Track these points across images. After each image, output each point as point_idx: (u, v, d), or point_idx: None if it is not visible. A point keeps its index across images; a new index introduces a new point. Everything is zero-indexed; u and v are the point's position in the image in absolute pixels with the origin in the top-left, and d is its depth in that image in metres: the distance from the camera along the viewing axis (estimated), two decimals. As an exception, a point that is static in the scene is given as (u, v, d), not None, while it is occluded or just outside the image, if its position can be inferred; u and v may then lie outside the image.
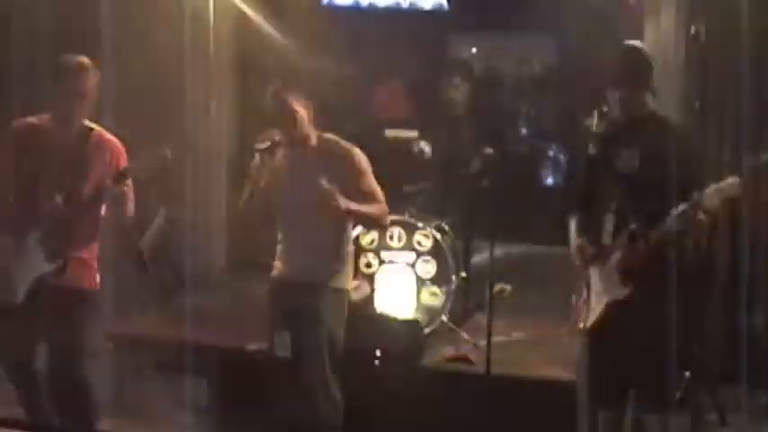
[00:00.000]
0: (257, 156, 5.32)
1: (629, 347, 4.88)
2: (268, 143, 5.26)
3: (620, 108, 5.07)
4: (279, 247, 5.55)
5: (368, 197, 5.34)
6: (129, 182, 5.27)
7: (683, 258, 4.98)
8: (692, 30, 7.80)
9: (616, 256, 4.93)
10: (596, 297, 5.04)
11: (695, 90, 7.61)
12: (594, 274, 5.07)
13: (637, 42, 5.36)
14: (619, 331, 4.90)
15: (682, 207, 4.60)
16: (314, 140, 5.40)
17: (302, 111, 5.30)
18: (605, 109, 5.38)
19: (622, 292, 4.90)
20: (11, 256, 5.24)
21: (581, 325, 5.13)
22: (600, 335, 5.02)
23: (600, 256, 5.04)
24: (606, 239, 5.02)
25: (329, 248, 5.41)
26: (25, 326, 5.24)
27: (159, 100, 8.50)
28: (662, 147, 4.83)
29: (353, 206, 5.21)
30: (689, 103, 7.49)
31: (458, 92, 8.82)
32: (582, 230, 5.19)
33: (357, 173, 5.34)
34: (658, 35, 8.21)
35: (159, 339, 7.27)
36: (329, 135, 5.47)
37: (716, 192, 4.58)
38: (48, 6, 7.82)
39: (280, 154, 5.41)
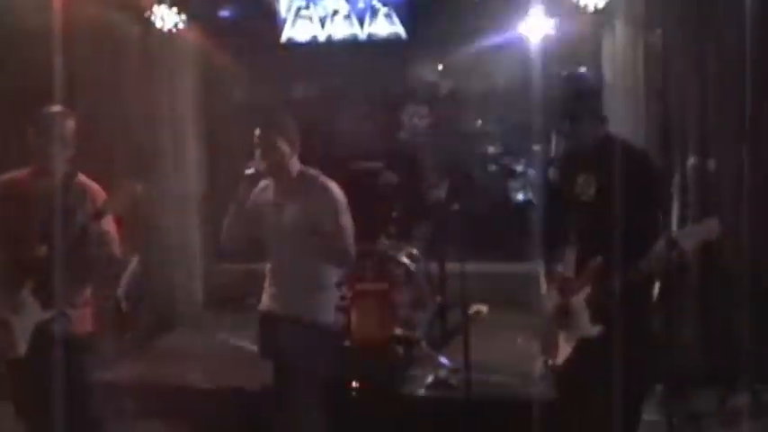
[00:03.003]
0: (243, 181, 5.43)
1: (598, 389, 4.68)
2: (253, 170, 5.37)
3: (573, 135, 4.93)
4: (266, 281, 5.63)
5: (337, 235, 5.40)
6: (113, 223, 5.34)
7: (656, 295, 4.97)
8: (650, 38, 7.93)
9: (585, 291, 4.74)
10: (565, 333, 4.86)
11: (654, 104, 7.71)
12: (562, 308, 4.87)
13: (580, 69, 5.23)
14: (588, 375, 4.73)
15: (657, 247, 4.44)
16: (294, 174, 5.49)
17: (285, 146, 5.40)
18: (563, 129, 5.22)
19: (593, 330, 4.71)
20: (7, 309, 5.27)
21: (549, 361, 5.00)
22: (569, 377, 4.89)
23: (567, 288, 4.85)
24: (571, 270, 4.86)
25: (310, 281, 5.46)
26: (33, 376, 5.27)
27: (132, 144, 8.58)
28: (619, 171, 4.67)
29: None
30: (649, 118, 7.58)
31: (420, 120, 8.91)
32: (548, 260, 5.08)
33: (332, 210, 5.40)
34: (615, 46, 8.32)
35: (141, 382, 7.28)
36: (312, 170, 5.56)
37: (693, 233, 4.49)
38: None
39: (266, 187, 5.55)
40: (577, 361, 4.81)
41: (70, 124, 5.38)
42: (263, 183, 5.56)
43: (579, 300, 4.78)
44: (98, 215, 5.21)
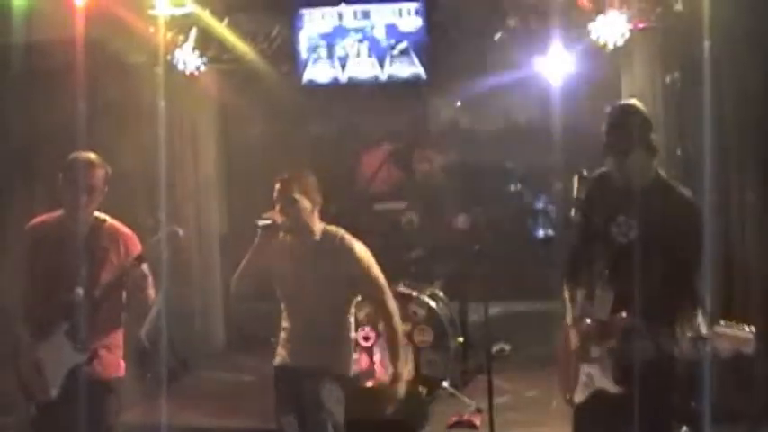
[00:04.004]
0: (259, 232, 5.36)
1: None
2: (269, 221, 5.29)
3: (618, 171, 4.66)
4: (282, 334, 5.57)
5: (373, 290, 5.46)
6: (147, 267, 5.36)
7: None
8: (668, 79, 7.95)
9: (611, 344, 4.56)
10: (586, 378, 4.72)
11: (673, 139, 7.73)
12: (586, 353, 4.72)
13: (631, 100, 4.94)
14: (606, 423, 4.63)
15: (687, 342, 4.35)
16: (317, 233, 5.41)
17: (306, 202, 5.31)
18: (584, 173, 5.02)
19: (614, 388, 4.56)
20: (41, 351, 5.29)
21: (567, 397, 4.91)
22: (584, 420, 4.82)
23: (594, 335, 4.67)
24: (605, 314, 4.61)
25: (330, 336, 5.41)
26: (61, 419, 5.28)
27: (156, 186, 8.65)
28: (663, 217, 4.49)
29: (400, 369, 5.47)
30: (668, 158, 7.58)
31: (433, 166, 8.99)
32: (575, 302, 4.87)
33: (361, 266, 5.36)
34: (633, 86, 8.34)
35: (164, 424, 7.27)
36: (334, 228, 5.47)
37: (729, 339, 4.24)
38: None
39: (284, 241, 5.44)
40: (596, 408, 4.70)
41: (100, 173, 5.38)
42: (281, 237, 5.44)
43: (603, 350, 4.63)
44: (136, 263, 5.25)
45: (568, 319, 4.93)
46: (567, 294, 4.96)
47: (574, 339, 4.84)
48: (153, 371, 7.96)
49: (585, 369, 4.74)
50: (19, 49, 8.25)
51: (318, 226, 5.42)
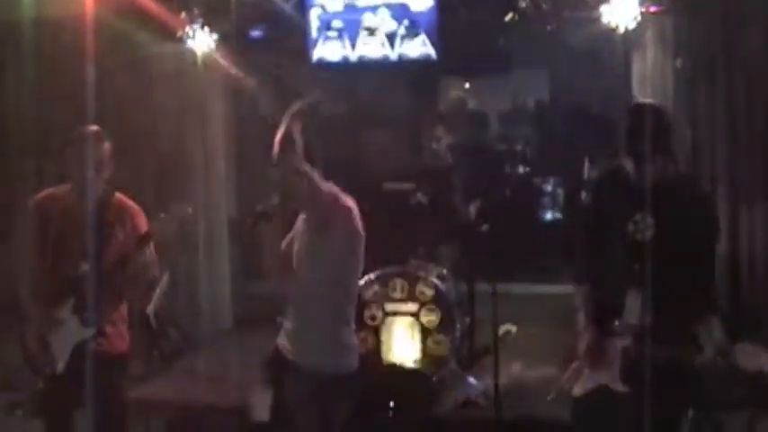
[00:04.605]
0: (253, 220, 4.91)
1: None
2: (262, 208, 4.80)
3: (635, 173, 4.52)
4: (285, 323, 5.17)
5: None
6: (152, 247, 5.39)
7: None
8: (678, 63, 7.92)
9: (621, 343, 4.50)
10: (591, 373, 4.68)
11: (684, 123, 7.70)
12: (595, 350, 4.66)
13: (648, 100, 4.78)
14: (604, 418, 4.59)
15: (708, 354, 4.25)
16: (315, 203, 4.83)
17: (304, 178, 4.75)
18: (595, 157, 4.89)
19: (619, 387, 4.51)
20: (48, 326, 5.33)
21: (567, 386, 4.84)
22: (584, 413, 4.77)
23: (604, 332, 4.60)
24: (635, 317, 4.45)
25: (331, 331, 4.93)
26: (68, 394, 5.32)
27: (164, 163, 8.67)
28: (680, 216, 4.40)
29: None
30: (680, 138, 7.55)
31: (441, 144, 8.97)
32: (583, 287, 4.78)
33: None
34: (644, 69, 8.32)
35: (170, 402, 7.30)
36: (330, 187, 4.90)
37: (754, 358, 4.22)
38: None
39: (296, 226, 5.06)
40: (596, 402, 4.65)
41: (105, 146, 5.39)
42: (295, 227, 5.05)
43: (615, 349, 4.56)
44: (141, 242, 5.24)
45: (581, 322, 4.79)
46: (580, 298, 4.81)
47: (584, 337, 4.74)
48: (159, 349, 7.97)
49: (592, 365, 4.67)
50: (28, 26, 8.25)
51: (317, 192, 4.83)
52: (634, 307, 4.45)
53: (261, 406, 5.23)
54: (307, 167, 4.75)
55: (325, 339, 4.90)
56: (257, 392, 5.23)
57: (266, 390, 5.31)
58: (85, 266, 5.27)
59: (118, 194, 5.51)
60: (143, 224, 5.45)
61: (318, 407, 4.87)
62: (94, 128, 5.46)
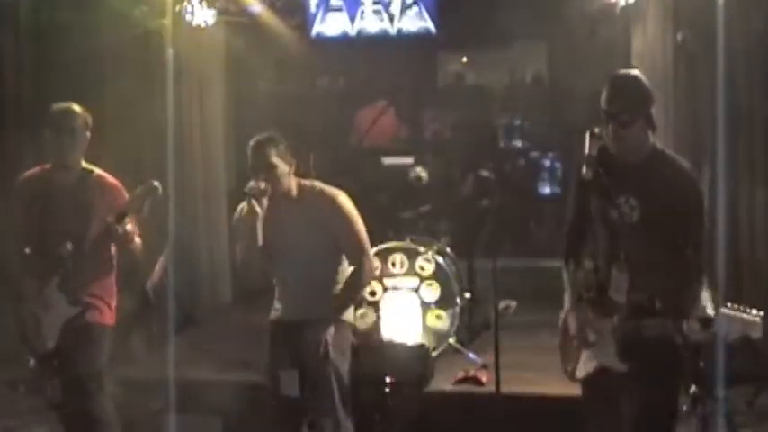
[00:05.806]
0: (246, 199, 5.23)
1: (615, 411, 4.54)
2: (252, 186, 5.15)
3: (614, 142, 4.44)
4: (276, 290, 5.57)
5: (352, 251, 5.38)
6: (131, 222, 5.37)
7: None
8: (679, 37, 7.89)
9: (616, 321, 4.43)
10: (588, 353, 4.64)
11: (684, 98, 7.69)
12: (590, 327, 4.60)
13: (631, 71, 4.65)
14: (611, 395, 4.54)
15: (691, 324, 4.15)
16: (294, 192, 5.35)
17: (282, 165, 5.24)
18: (597, 130, 4.84)
19: (616, 366, 4.45)
20: (36, 305, 5.38)
21: (568, 369, 4.81)
22: (590, 391, 4.77)
23: (597, 311, 4.55)
24: (622, 296, 4.42)
25: (324, 285, 5.40)
26: (58, 369, 5.40)
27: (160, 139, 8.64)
28: (663, 192, 4.36)
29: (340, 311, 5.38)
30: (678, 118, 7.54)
31: (441, 124, 8.99)
32: (574, 278, 4.72)
33: (342, 220, 5.33)
34: (644, 44, 8.30)
35: (167, 378, 7.30)
36: (314, 183, 5.43)
37: (736, 322, 4.05)
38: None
39: (267, 205, 5.28)
40: (600, 382, 4.62)
41: (81, 119, 5.45)
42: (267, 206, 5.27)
43: (608, 329, 4.49)
44: (119, 217, 5.24)
45: (566, 302, 4.80)
46: (566, 276, 4.80)
47: (573, 324, 4.73)
48: (158, 324, 7.97)
49: (588, 346, 4.64)
50: (26, 2, 8.22)
51: (295, 183, 5.37)
52: (621, 284, 4.44)
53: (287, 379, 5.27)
54: (284, 166, 5.26)
55: (317, 293, 5.36)
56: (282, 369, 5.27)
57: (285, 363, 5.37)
58: (67, 245, 5.31)
59: (97, 171, 5.52)
60: (122, 200, 5.44)
61: (315, 353, 5.22)
62: (68, 103, 5.51)
